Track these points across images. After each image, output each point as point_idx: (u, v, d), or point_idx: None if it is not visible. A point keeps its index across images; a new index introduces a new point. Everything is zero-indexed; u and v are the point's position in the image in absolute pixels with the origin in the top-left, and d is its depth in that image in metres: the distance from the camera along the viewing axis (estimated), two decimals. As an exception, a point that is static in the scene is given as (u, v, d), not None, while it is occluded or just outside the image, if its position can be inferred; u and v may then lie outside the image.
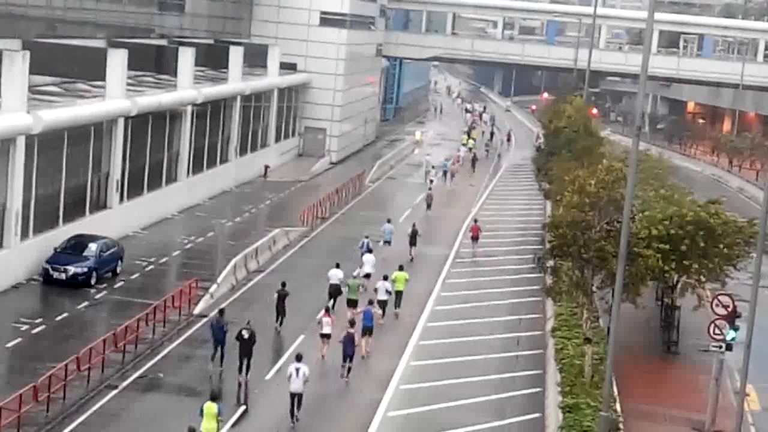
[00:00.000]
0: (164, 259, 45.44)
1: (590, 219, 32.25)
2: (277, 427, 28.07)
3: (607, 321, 34.15)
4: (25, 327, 34.28)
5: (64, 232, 42.00)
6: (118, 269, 41.72)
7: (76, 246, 40.55)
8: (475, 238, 52.58)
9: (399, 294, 39.76)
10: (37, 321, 34.98)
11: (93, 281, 39.70)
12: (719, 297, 30.64)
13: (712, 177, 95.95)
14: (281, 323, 36.55)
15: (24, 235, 39.68)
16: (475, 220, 55.60)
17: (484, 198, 70.56)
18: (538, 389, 32.41)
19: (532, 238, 55.15)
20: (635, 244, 32.92)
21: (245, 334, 30.92)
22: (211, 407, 25.07)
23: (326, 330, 33.48)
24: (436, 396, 31.14)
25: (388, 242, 49.08)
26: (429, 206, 62.44)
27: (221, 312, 33.19)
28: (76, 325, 35.32)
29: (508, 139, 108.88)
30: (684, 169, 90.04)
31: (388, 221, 50.88)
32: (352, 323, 33.21)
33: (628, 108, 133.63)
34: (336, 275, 39.37)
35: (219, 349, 31.84)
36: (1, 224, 38.46)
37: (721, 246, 36.93)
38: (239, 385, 30.70)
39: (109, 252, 41.27)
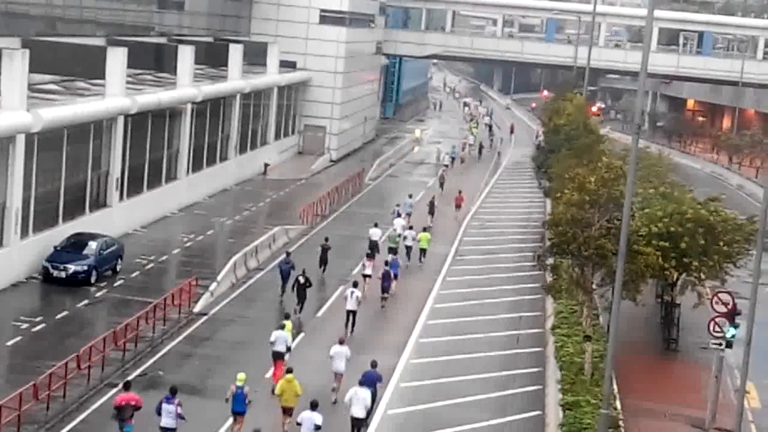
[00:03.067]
0: (164, 258, 45.45)
1: (590, 216, 32.25)
2: (328, 344, 31.97)
3: (607, 318, 34.14)
4: (25, 325, 34.29)
5: (63, 231, 42.00)
6: (118, 267, 41.74)
7: (75, 244, 40.57)
8: (458, 206, 61.53)
9: (423, 251, 48.89)
10: (37, 319, 34.99)
11: (93, 279, 39.70)
12: (719, 294, 30.68)
13: (711, 174, 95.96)
14: (324, 271, 44.21)
15: (24, 233, 39.69)
16: (459, 191, 63.08)
17: (484, 195, 70.58)
18: (538, 387, 32.42)
19: (532, 236, 55.19)
20: (635, 242, 32.90)
21: (301, 280, 38.16)
22: (287, 324, 31.82)
23: (368, 271, 42.12)
24: (437, 393, 31.12)
25: (408, 214, 55.95)
26: (442, 186, 69.94)
27: (288, 254, 42.13)
28: (76, 324, 35.32)
29: (512, 132, 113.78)
30: (684, 166, 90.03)
31: (410, 196, 59.57)
32: (387, 263, 42.11)
33: (627, 105, 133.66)
34: (375, 233, 48.20)
35: (284, 283, 39.51)
36: (1, 223, 38.46)
37: (721, 243, 36.93)
38: (298, 319, 36.56)
39: (109, 250, 41.28)
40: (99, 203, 46.60)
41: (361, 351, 32.45)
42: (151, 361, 32.17)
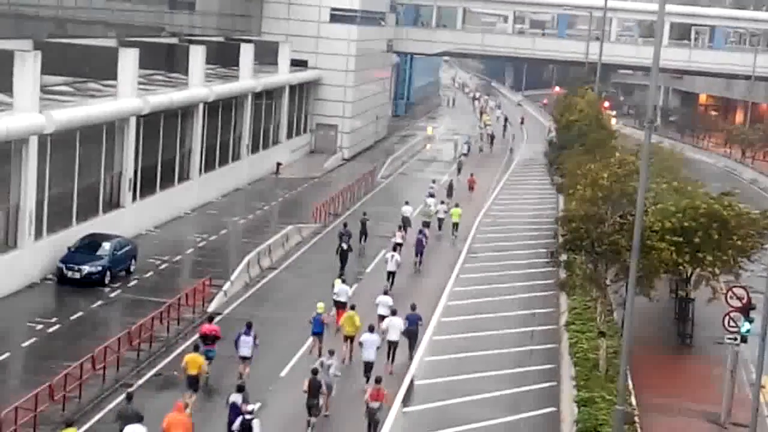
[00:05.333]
0: (177, 258, 45.54)
1: (603, 212, 32.22)
2: (376, 293, 37.55)
3: (621, 314, 34.11)
4: (40, 326, 34.41)
5: (77, 232, 42.13)
6: (132, 268, 41.84)
7: (89, 245, 40.68)
8: (470, 188, 69.16)
9: (456, 225, 54.85)
10: (52, 320, 35.11)
11: (107, 280, 39.83)
12: (734, 289, 30.57)
13: (725, 169, 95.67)
14: (364, 242, 49.69)
15: (38, 234, 39.82)
16: (471, 174, 71.59)
17: (496, 192, 70.51)
18: (552, 383, 32.38)
19: (545, 233, 55.12)
20: (648, 237, 32.85)
21: (344, 246, 44.49)
22: (338, 280, 38.65)
23: (398, 240, 47.71)
24: (451, 391, 31.11)
25: (432, 195, 60.23)
26: (459, 171, 76.56)
27: (345, 225, 47.93)
28: (91, 324, 35.43)
29: (522, 123, 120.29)
30: (697, 161, 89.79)
31: (433, 181, 66.37)
32: (420, 232, 48.47)
33: (639, 101, 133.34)
34: (407, 210, 53.72)
35: (340, 246, 44.62)
36: (15, 224, 38.61)
37: (735, 238, 36.76)
38: (343, 280, 39.37)
39: (122, 251, 41.38)
40: (112, 204, 46.73)
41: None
42: (166, 361, 32.23)
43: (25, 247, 38.91)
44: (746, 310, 29.87)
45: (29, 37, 48.24)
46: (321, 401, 27.49)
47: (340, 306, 36.28)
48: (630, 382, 29.97)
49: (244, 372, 30.14)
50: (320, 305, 33.83)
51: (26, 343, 32.91)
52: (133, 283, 40.75)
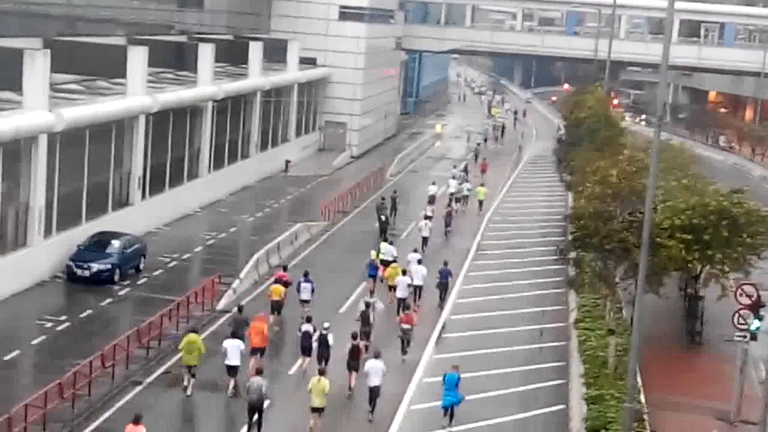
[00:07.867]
0: (187, 255, 45.59)
1: (612, 210, 32.20)
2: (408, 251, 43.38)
3: (630, 312, 34.04)
4: (49, 324, 34.47)
5: (87, 230, 42.20)
6: (141, 266, 41.90)
7: (99, 243, 40.75)
8: (483, 171, 74.21)
9: (481, 203, 62.33)
10: (62, 318, 35.18)
11: (116, 278, 39.88)
12: (743, 287, 30.53)
13: (734, 166, 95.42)
14: (395, 216, 55.90)
15: (47, 232, 39.90)
16: (484, 158, 79.21)
17: (506, 190, 70.44)
18: (561, 381, 32.34)
19: (554, 230, 55.05)
20: (658, 235, 32.79)
21: (383, 218, 51.62)
22: (384, 244, 44.16)
23: (429, 213, 52.67)
24: (460, 389, 31.03)
25: (455, 177, 65.76)
26: (476, 158, 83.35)
27: (383, 199, 55.65)
28: (100, 322, 35.48)
29: (524, 115, 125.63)
30: (706, 158, 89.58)
31: (454, 167, 73.36)
32: (448, 205, 57.38)
33: (649, 98, 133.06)
34: (432, 189, 60.64)
35: (379, 217, 51.89)
36: (24, 222, 38.69)
37: (745, 235, 36.69)
38: (390, 242, 44.95)
39: (132, 249, 41.44)
40: (121, 202, 46.81)
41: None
42: (175, 358, 32.15)
43: (34, 245, 39.00)
44: (756, 307, 29.81)
45: (39, 35, 48.30)
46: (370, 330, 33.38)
47: (386, 263, 41.43)
48: (639, 380, 29.90)
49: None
50: (373, 252, 41.75)
51: (36, 341, 32.98)
52: (142, 281, 40.81)
